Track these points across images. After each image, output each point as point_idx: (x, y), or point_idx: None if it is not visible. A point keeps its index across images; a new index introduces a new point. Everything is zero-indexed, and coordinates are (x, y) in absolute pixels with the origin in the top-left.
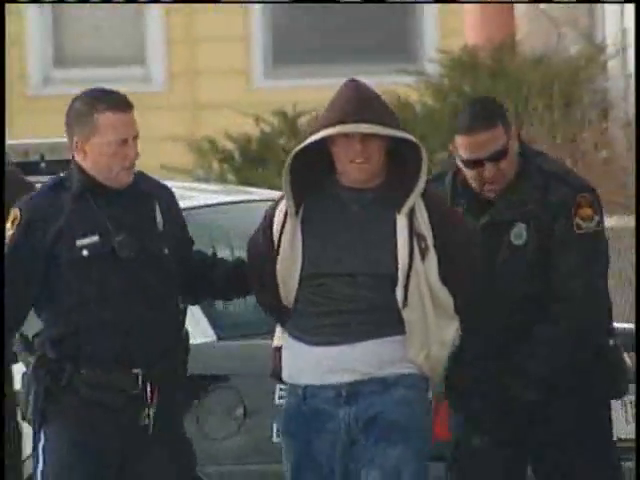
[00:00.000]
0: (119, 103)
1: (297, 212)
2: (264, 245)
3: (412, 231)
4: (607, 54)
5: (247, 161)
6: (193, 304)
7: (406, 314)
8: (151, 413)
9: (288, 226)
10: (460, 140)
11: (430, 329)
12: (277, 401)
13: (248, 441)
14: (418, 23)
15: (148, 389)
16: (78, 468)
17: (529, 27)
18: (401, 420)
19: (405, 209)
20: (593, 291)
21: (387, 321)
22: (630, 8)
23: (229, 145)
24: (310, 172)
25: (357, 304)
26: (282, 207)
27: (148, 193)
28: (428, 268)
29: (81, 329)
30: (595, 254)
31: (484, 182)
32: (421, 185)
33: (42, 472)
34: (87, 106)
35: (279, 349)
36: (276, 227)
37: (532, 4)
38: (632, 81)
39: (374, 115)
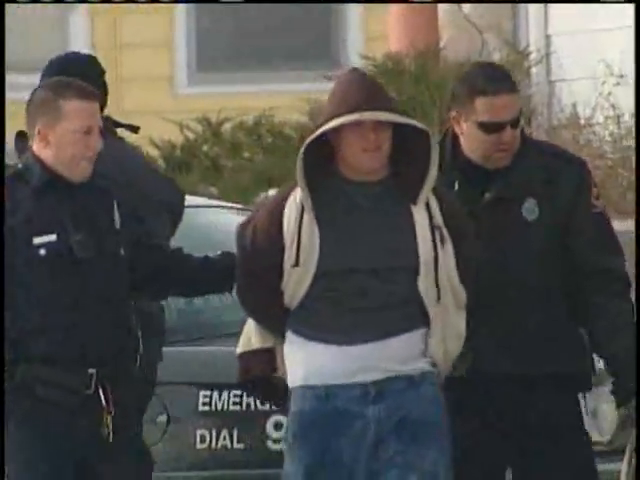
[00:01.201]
0: (85, 91)
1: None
2: (276, 239)
3: (432, 222)
4: (531, 60)
5: (171, 168)
6: (162, 299)
7: (433, 308)
8: (110, 422)
9: (306, 220)
10: (483, 102)
11: (449, 322)
12: (200, 408)
13: (171, 448)
14: (341, 29)
15: (101, 390)
16: (34, 467)
17: (453, 33)
18: (433, 420)
19: (422, 200)
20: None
21: (412, 315)
22: (554, 14)
23: (153, 152)
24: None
25: (381, 299)
26: (293, 200)
27: (106, 189)
28: (447, 259)
29: (36, 329)
30: (612, 232)
31: (499, 149)
32: (433, 174)
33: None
34: (52, 93)
35: (254, 353)
36: (290, 221)
37: (455, 10)
38: (556, 87)
39: (387, 103)
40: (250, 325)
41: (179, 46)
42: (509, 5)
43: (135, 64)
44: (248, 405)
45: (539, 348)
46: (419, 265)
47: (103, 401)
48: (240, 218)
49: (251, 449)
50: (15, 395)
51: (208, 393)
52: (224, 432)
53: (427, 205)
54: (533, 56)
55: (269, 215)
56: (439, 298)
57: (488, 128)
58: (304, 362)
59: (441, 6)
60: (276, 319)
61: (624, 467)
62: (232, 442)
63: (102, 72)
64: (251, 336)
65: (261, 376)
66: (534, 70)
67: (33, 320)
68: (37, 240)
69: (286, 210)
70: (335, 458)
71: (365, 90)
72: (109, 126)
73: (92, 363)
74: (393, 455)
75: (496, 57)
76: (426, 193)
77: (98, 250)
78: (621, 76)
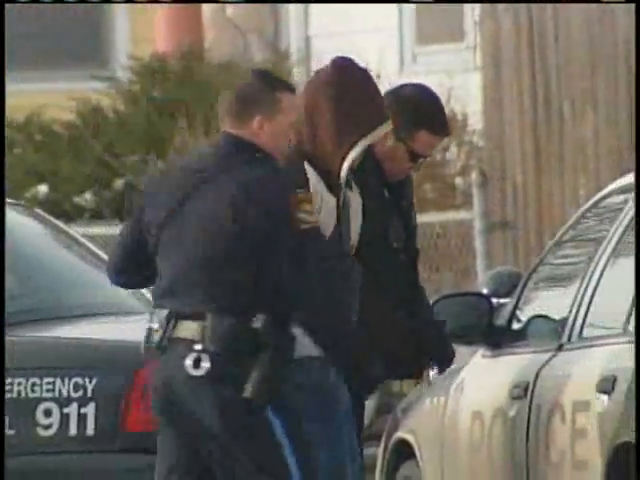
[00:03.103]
0: (292, 85)
1: None
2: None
3: None
4: (292, 61)
5: None
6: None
7: None
8: None
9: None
10: (432, 139)
11: None
12: None
13: None
14: (110, 30)
15: None
16: None
17: (216, 34)
18: None
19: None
20: None
21: None
22: (314, 16)
23: None
24: None
25: None
26: None
27: None
28: None
29: None
30: None
31: (409, 172)
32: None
33: None
34: (267, 85)
35: None
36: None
37: (218, 12)
38: None
39: None
40: None
41: None
42: (271, 7)
43: None
44: (19, 392)
45: None
46: None
47: None
48: (12, 213)
49: (21, 435)
50: None
51: None
52: None
53: None
54: (294, 57)
55: None
56: None
57: (417, 158)
58: None
59: (205, 8)
60: None
61: (380, 452)
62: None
63: None
64: None
65: None
66: (295, 71)
67: None
68: None
69: None
70: None
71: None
72: None
73: None
74: None
75: (258, 58)
76: None
77: None
78: (378, 76)
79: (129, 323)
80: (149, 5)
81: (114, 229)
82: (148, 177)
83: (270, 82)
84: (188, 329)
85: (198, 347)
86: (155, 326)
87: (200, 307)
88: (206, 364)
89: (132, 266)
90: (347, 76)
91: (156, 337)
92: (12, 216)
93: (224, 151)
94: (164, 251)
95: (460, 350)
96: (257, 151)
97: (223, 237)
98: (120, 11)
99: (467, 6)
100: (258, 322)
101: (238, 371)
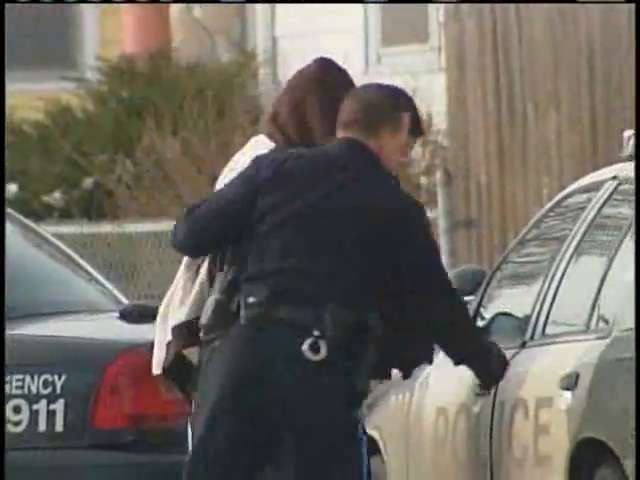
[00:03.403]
0: (412, 104)
1: None
2: None
3: None
4: (258, 62)
5: None
6: None
7: None
8: None
9: None
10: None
11: None
12: None
13: None
14: (78, 31)
15: None
16: None
17: (184, 35)
18: None
19: None
20: None
21: None
22: (280, 17)
23: None
24: None
25: None
26: None
27: None
28: None
29: None
30: None
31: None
32: None
33: None
34: (393, 101)
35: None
36: None
37: (186, 13)
38: (283, 88)
39: None
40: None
41: None
42: (238, 8)
43: None
44: None
45: None
46: None
47: None
48: None
49: None
50: None
51: None
52: None
53: None
54: (260, 58)
55: None
56: None
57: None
58: None
59: (173, 9)
60: None
61: None
62: None
63: None
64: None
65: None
66: (261, 71)
67: None
68: None
69: None
70: None
71: None
72: None
73: None
74: None
75: (225, 59)
76: None
77: None
78: None
79: (98, 321)
80: (118, 7)
81: (83, 228)
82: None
83: (397, 99)
84: (300, 313)
85: (316, 332)
86: (240, 301)
87: (321, 294)
88: (324, 350)
89: (215, 239)
90: (332, 74)
91: (249, 313)
92: None
93: (353, 156)
94: (280, 235)
95: None
96: (378, 162)
97: (362, 236)
98: (89, 13)
99: (432, 8)
100: (372, 320)
101: (350, 363)
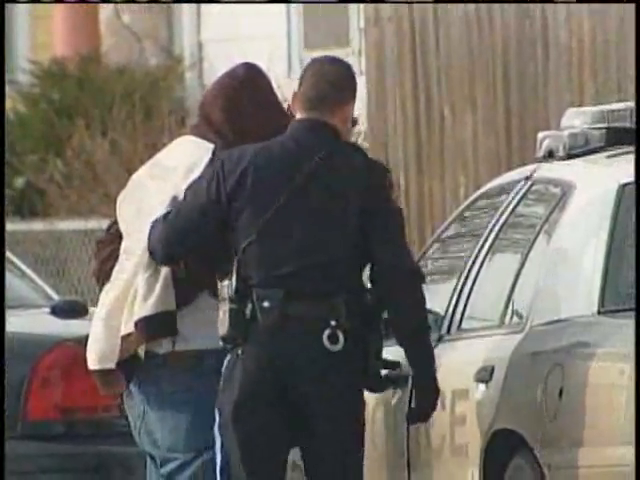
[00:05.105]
0: None
1: None
2: None
3: None
4: (184, 66)
5: None
6: None
7: None
8: None
9: None
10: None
11: None
12: None
13: None
14: (11, 36)
15: None
16: None
17: (113, 40)
18: None
19: None
20: None
21: None
22: (206, 22)
23: None
24: None
25: None
26: None
27: None
28: None
29: None
30: None
31: None
32: None
33: None
34: (351, 73)
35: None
36: None
37: (115, 18)
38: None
39: None
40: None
41: None
42: (165, 14)
43: None
44: None
45: None
46: None
47: None
48: None
49: None
50: None
51: None
52: None
53: None
54: (187, 61)
55: None
56: None
57: None
58: None
59: (102, 14)
60: None
61: None
62: None
63: None
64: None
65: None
66: (188, 75)
67: None
68: None
69: None
70: None
71: None
72: None
73: None
74: None
75: (153, 62)
76: None
77: None
78: None
79: (30, 316)
80: (49, 11)
81: (15, 226)
82: (226, 159)
83: (351, 70)
84: (316, 307)
85: (333, 323)
86: (252, 306)
87: (327, 286)
88: (342, 340)
89: (190, 244)
90: (259, 77)
91: (265, 317)
92: None
93: (322, 141)
94: (273, 235)
95: None
96: (342, 141)
97: (346, 219)
98: (21, 18)
99: (352, 13)
100: (370, 299)
101: (363, 349)
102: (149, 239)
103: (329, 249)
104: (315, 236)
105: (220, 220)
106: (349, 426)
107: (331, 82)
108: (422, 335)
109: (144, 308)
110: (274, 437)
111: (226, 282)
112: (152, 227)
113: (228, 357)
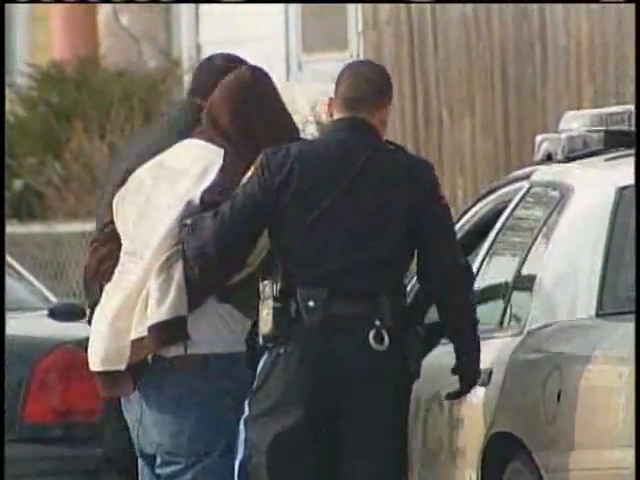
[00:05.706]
0: None
1: None
2: None
3: None
4: (183, 68)
5: None
6: None
7: None
8: None
9: None
10: None
11: None
12: None
13: None
14: (10, 39)
15: None
16: None
17: (111, 43)
18: None
19: None
20: None
21: None
22: (205, 24)
23: None
24: None
25: None
26: None
27: None
28: None
29: None
30: None
31: None
32: None
33: None
34: (388, 77)
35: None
36: None
37: (113, 21)
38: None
39: None
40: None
41: None
42: (164, 16)
43: None
44: None
45: None
46: None
47: None
48: None
49: None
50: None
51: None
52: None
53: None
54: (185, 64)
55: None
56: None
57: None
58: None
59: (100, 17)
60: None
61: None
62: None
63: None
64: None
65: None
66: (186, 77)
67: None
68: None
69: None
70: None
71: None
72: None
73: None
74: None
75: (152, 65)
76: None
77: None
78: None
79: (28, 318)
80: (47, 14)
81: (13, 229)
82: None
83: (387, 74)
84: (360, 306)
85: (377, 323)
86: (296, 306)
87: (372, 285)
88: (387, 339)
89: (245, 242)
90: (266, 81)
91: (311, 317)
92: None
93: (364, 140)
94: (318, 234)
95: None
96: (379, 136)
97: (392, 218)
98: (20, 21)
99: (351, 17)
100: (408, 300)
101: (405, 348)
102: (191, 240)
103: (374, 248)
104: (360, 235)
105: (266, 219)
106: (393, 425)
107: (370, 82)
108: (475, 328)
109: (158, 313)
110: (304, 438)
111: (267, 281)
112: (193, 227)
113: (265, 356)
